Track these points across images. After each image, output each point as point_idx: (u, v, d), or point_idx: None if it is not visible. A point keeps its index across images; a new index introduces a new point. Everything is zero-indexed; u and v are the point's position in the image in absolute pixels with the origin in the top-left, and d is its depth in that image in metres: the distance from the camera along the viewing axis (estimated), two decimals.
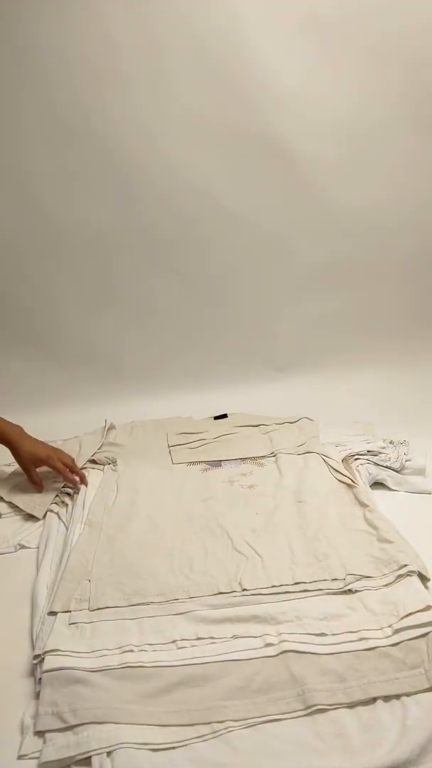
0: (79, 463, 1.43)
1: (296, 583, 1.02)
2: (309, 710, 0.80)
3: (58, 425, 1.67)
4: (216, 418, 1.73)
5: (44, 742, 0.78)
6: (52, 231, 1.78)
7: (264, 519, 1.23)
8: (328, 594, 1.00)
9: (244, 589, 1.01)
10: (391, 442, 1.48)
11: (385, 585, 1.01)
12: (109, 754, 0.75)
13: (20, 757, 0.77)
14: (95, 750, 0.76)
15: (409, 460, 1.41)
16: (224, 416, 1.73)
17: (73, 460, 1.39)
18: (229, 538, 1.16)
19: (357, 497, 1.27)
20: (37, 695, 0.84)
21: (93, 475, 1.43)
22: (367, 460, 1.41)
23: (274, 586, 1.02)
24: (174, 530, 1.21)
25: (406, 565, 1.03)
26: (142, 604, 0.99)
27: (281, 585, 1.02)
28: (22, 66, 1.60)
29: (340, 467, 1.39)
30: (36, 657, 0.90)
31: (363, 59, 1.67)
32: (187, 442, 1.59)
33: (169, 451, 1.55)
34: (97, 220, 1.78)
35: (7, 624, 1.00)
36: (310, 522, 1.20)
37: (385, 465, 1.40)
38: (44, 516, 1.30)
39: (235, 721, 0.80)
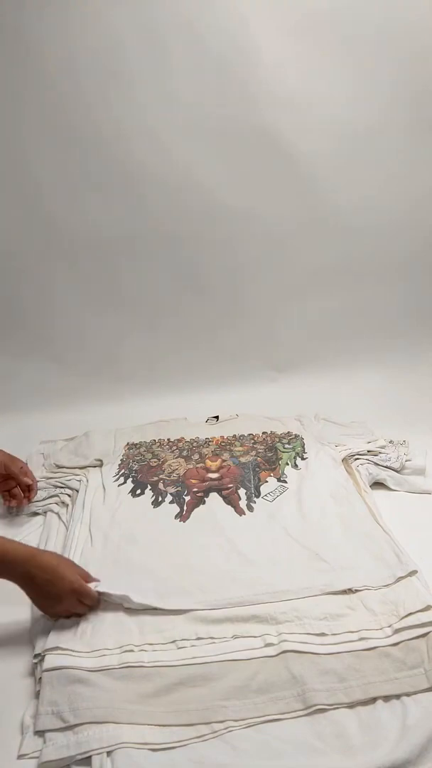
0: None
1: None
2: (309, 710, 0.80)
3: (58, 425, 1.67)
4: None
5: (44, 741, 0.78)
6: (52, 231, 1.78)
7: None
8: (328, 594, 1.00)
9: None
10: (391, 442, 1.48)
11: (386, 585, 1.01)
12: (109, 754, 0.75)
13: (20, 757, 0.77)
14: (95, 750, 0.76)
15: (409, 460, 1.41)
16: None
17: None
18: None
19: (357, 497, 1.27)
20: (37, 694, 0.84)
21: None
22: (367, 460, 1.41)
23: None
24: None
25: (406, 566, 1.03)
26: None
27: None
28: (25, 65, 1.60)
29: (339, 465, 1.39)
30: (36, 656, 0.90)
31: (361, 57, 1.67)
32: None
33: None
34: (96, 220, 1.78)
35: (7, 623, 1.00)
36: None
37: (385, 465, 1.39)
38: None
39: (235, 721, 0.80)
